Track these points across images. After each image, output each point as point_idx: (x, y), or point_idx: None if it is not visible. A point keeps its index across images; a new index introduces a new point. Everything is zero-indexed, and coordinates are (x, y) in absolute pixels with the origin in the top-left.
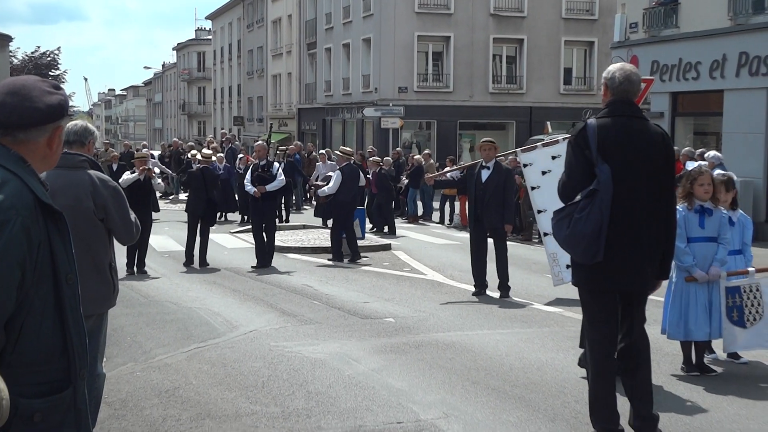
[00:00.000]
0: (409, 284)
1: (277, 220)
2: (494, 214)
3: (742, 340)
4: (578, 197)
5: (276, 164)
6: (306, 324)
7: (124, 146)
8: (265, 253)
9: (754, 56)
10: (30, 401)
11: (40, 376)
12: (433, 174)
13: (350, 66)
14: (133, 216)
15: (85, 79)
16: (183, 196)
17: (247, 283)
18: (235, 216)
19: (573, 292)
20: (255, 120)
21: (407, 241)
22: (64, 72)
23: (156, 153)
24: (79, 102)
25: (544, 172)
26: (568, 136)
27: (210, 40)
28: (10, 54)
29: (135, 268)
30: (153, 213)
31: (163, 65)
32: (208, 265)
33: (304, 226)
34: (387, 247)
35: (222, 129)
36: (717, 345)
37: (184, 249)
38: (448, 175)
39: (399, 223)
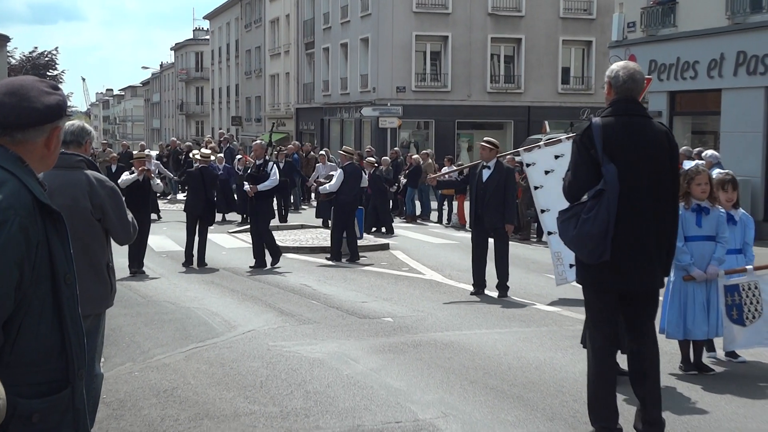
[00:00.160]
0: (407, 284)
1: (272, 219)
2: (495, 214)
3: (742, 338)
4: (585, 197)
5: (271, 163)
6: (304, 324)
7: (122, 146)
8: (260, 253)
9: (752, 55)
10: (28, 401)
11: (38, 376)
12: (435, 174)
13: (348, 66)
14: (130, 216)
15: (83, 80)
16: (181, 196)
17: (245, 283)
18: (234, 216)
19: (571, 292)
20: (253, 120)
21: (405, 241)
22: (62, 72)
23: (154, 153)
24: (77, 102)
25: (547, 172)
26: (572, 135)
27: (208, 40)
28: (8, 54)
29: (134, 268)
30: (155, 215)
31: (161, 65)
32: (207, 265)
33: (303, 226)
34: (385, 247)
35: (220, 129)
36: (718, 344)
37: (184, 249)
38: (449, 175)
39: (397, 222)
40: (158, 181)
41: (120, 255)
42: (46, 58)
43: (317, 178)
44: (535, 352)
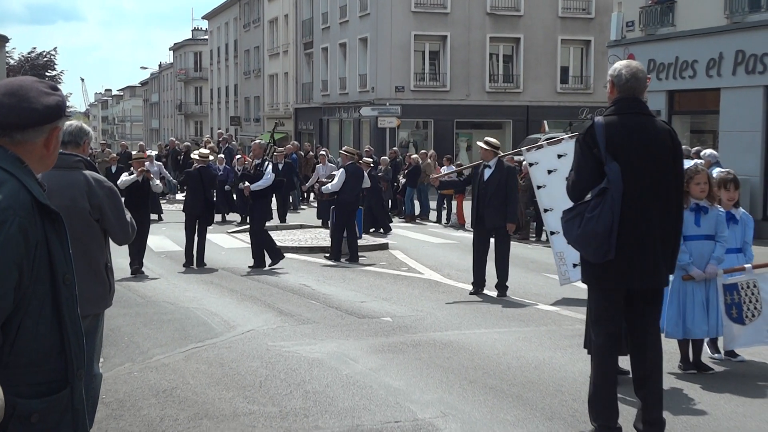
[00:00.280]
0: (406, 283)
1: (269, 220)
2: (496, 213)
3: (742, 337)
4: (588, 196)
5: (266, 163)
6: (303, 323)
7: (121, 146)
8: (259, 253)
9: (750, 54)
10: (27, 401)
11: (37, 376)
12: (437, 174)
13: (347, 65)
14: (128, 216)
15: (82, 80)
16: (180, 196)
17: (244, 283)
18: (234, 216)
19: (570, 292)
20: (252, 120)
21: (404, 241)
22: (61, 72)
23: (154, 153)
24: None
25: (550, 171)
26: (575, 134)
27: (207, 40)
28: (7, 54)
29: (133, 267)
30: (158, 215)
31: (159, 65)
32: (206, 265)
33: (302, 226)
34: (384, 247)
35: (219, 129)
36: (721, 345)
37: (184, 250)
38: (449, 175)
39: (396, 222)
40: (157, 181)
41: (120, 255)
42: (45, 59)
43: (318, 179)
44: (534, 352)
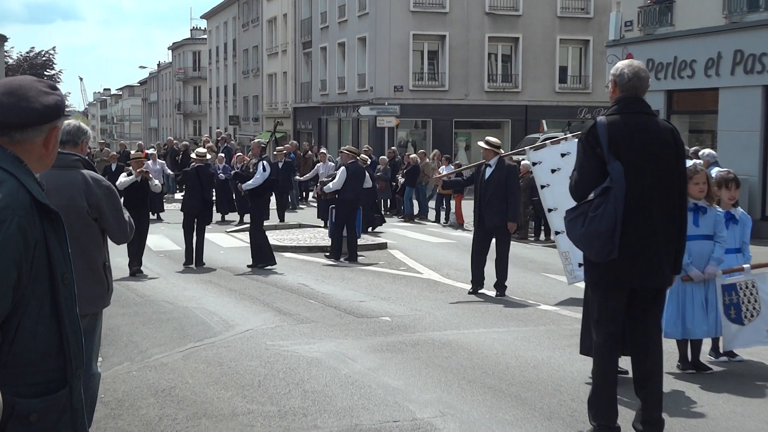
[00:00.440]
0: (405, 283)
1: (266, 219)
2: (496, 212)
3: (741, 337)
4: (591, 195)
5: (261, 162)
6: (302, 323)
7: (120, 146)
8: (256, 252)
9: (749, 54)
10: (26, 401)
11: (36, 375)
12: (440, 175)
13: (346, 65)
14: (126, 215)
15: (81, 79)
16: (179, 195)
17: (243, 283)
18: (233, 216)
19: (569, 292)
20: (251, 119)
21: (403, 240)
22: (60, 72)
23: (153, 151)
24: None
25: (553, 170)
26: (578, 133)
27: (205, 39)
28: (5, 54)
29: (132, 267)
30: (157, 215)
31: (158, 65)
32: (205, 264)
33: (300, 225)
34: (383, 246)
35: (218, 128)
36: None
37: (184, 249)
38: (451, 175)
39: (395, 222)
40: (156, 182)
41: (118, 255)
42: (44, 58)
43: (318, 177)
44: (533, 352)
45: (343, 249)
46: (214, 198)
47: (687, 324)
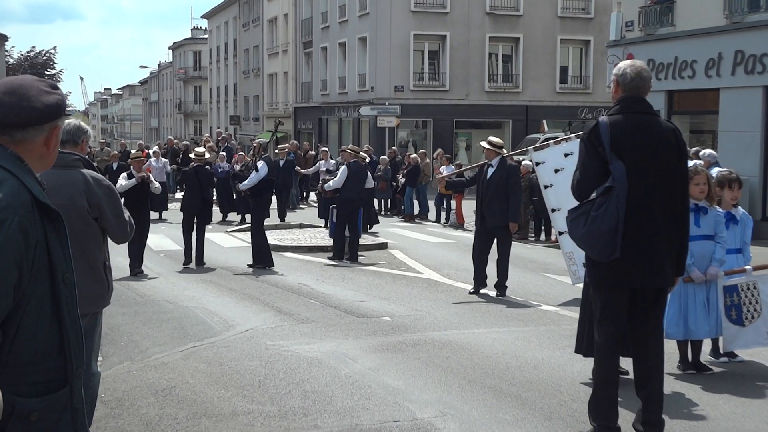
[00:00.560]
0: (405, 283)
1: (265, 219)
2: (497, 212)
3: (741, 338)
4: (594, 194)
5: (260, 162)
6: (302, 323)
7: (121, 145)
8: (254, 252)
9: (749, 54)
10: (27, 400)
11: (36, 375)
12: (443, 175)
13: (346, 65)
14: (127, 214)
15: (81, 79)
16: (179, 194)
17: (243, 282)
18: (234, 216)
19: (570, 292)
20: (251, 119)
21: (404, 240)
22: (60, 71)
23: (156, 149)
24: (76, 101)
25: (556, 170)
26: (581, 133)
27: (206, 39)
28: (6, 53)
29: (134, 268)
30: (159, 214)
31: (159, 64)
32: (205, 264)
33: (301, 225)
34: (383, 246)
35: (218, 128)
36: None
37: (183, 249)
38: (453, 176)
39: (395, 222)
40: (156, 184)
41: (119, 254)
42: (44, 58)
43: (321, 175)
44: (533, 352)
45: (344, 249)
46: (215, 198)
47: (690, 325)
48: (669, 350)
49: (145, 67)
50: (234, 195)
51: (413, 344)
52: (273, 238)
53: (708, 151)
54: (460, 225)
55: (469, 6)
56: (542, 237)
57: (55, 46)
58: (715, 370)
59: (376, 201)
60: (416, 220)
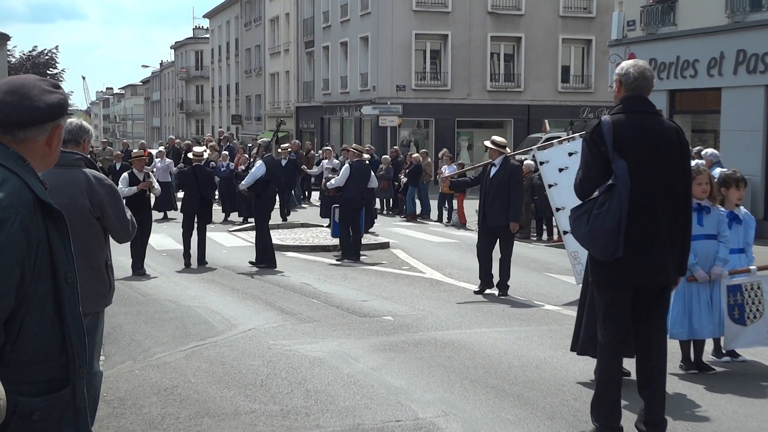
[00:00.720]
0: (407, 282)
1: (267, 218)
2: (498, 212)
3: (743, 338)
4: (596, 193)
5: (258, 161)
6: (304, 322)
7: (123, 145)
8: (258, 251)
9: (751, 54)
10: (29, 400)
11: (39, 374)
12: (447, 175)
13: (348, 64)
14: (129, 214)
15: (83, 78)
16: (180, 194)
17: (245, 282)
18: (236, 216)
19: (572, 291)
20: (253, 118)
21: (406, 240)
22: (62, 71)
23: (155, 151)
24: (78, 101)
25: (561, 169)
26: (584, 132)
27: (208, 38)
28: (8, 53)
29: (136, 268)
30: (164, 213)
31: (161, 64)
32: (207, 263)
33: (303, 225)
34: (386, 246)
35: (220, 128)
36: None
37: (183, 252)
38: (458, 176)
39: (397, 221)
40: (156, 186)
41: (120, 254)
42: (46, 57)
43: (323, 173)
44: (535, 351)
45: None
46: (217, 197)
47: (694, 324)
48: (671, 350)
49: (147, 66)
50: (237, 196)
51: (415, 344)
52: (275, 237)
53: (710, 150)
54: (462, 224)
55: (471, 5)
56: (544, 237)
57: (56, 46)
58: (718, 370)
59: (377, 201)
60: (418, 220)
